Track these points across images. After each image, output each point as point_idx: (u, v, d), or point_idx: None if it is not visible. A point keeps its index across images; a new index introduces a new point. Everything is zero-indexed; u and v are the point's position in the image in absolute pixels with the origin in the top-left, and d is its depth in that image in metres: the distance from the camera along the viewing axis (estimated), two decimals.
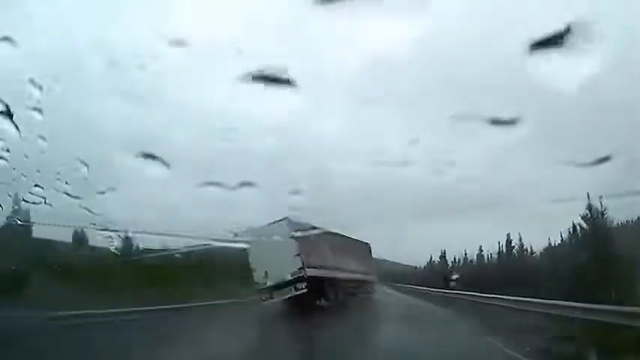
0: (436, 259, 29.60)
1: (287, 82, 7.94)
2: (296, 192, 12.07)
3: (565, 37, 4.63)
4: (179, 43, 8.33)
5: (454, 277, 17.88)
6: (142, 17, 14.31)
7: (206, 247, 14.09)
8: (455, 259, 28.60)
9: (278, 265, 14.92)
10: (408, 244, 31.50)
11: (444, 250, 28.78)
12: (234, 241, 13.90)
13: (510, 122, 6.89)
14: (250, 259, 15.68)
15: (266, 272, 15.32)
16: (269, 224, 15.20)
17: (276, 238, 14.15)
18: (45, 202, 9.42)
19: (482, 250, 25.25)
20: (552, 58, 4.86)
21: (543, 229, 19.85)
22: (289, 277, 14.99)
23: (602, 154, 6.87)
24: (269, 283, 15.39)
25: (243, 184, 10.15)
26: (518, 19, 13.43)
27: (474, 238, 25.70)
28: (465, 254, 27.68)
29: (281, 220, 14.87)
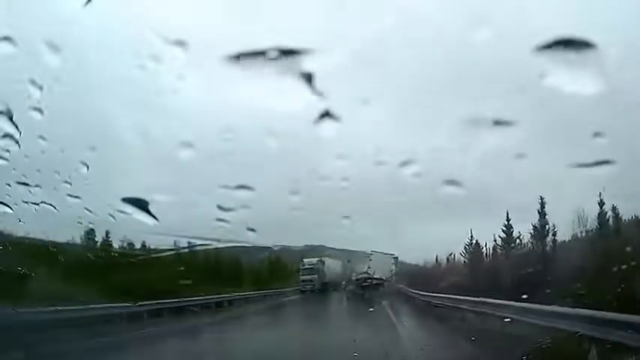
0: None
1: (288, 82, 7.88)
2: (295, 192, 12.09)
3: (570, 40, 4.59)
4: (179, 43, 8.27)
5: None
6: (142, 17, 14.24)
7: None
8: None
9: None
10: (409, 243, 32.44)
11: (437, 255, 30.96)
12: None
13: (512, 123, 6.82)
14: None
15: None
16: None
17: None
18: (45, 203, 9.39)
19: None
20: (556, 60, 4.81)
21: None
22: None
23: (604, 156, 6.80)
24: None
25: (243, 185, 10.07)
26: (521, 21, 13.39)
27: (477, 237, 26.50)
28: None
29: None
